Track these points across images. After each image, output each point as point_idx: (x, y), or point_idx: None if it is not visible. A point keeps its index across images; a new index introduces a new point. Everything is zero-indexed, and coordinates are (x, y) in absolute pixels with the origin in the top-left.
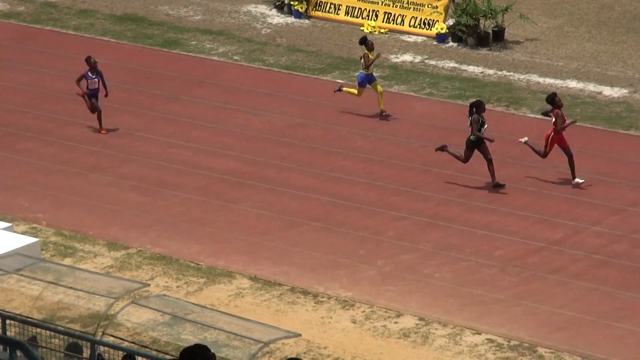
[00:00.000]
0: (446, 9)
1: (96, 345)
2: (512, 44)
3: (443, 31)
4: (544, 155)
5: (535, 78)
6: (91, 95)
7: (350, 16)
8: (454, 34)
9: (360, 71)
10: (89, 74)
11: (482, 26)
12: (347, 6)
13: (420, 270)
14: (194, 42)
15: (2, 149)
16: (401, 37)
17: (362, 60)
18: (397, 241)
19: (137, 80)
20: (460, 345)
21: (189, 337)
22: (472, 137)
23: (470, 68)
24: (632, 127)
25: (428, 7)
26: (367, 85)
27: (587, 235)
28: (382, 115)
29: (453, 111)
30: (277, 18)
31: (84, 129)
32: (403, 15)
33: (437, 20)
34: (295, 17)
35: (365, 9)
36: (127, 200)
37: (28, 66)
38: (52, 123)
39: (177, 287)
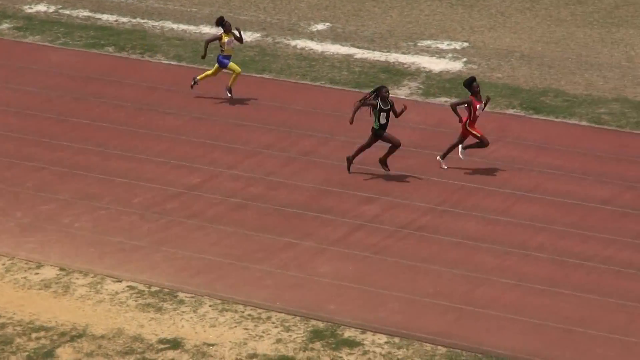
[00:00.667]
0: None
1: None
2: None
3: None
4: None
5: (169, 25)
6: None
7: None
8: None
9: (220, 54)
10: None
11: None
12: None
13: (60, 221)
14: None
15: None
16: None
17: (219, 42)
18: (35, 192)
19: None
20: (101, 293)
21: None
22: (375, 126)
23: (105, 16)
24: (265, 71)
25: None
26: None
27: (224, 179)
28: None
29: (88, 60)
30: None
31: None
32: None
33: None
34: None
35: None
36: None
37: None
38: None
39: None
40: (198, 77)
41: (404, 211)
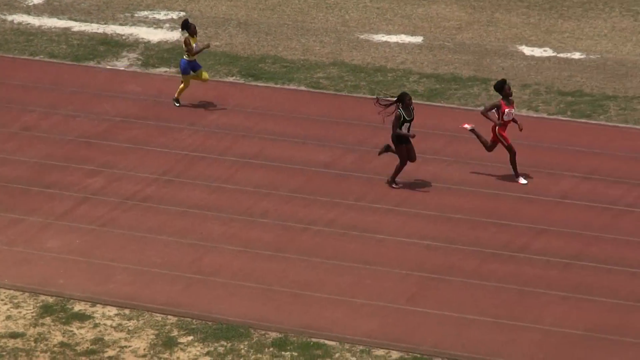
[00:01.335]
0: None
1: None
2: None
3: None
4: (490, 147)
5: None
6: None
7: None
8: None
9: (183, 57)
10: None
11: None
12: None
13: None
14: None
15: None
16: None
17: (184, 46)
18: None
19: None
20: None
21: None
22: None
23: None
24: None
25: None
26: (192, 73)
27: None
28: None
29: None
30: None
31: None
32: None
33: None
34: None
35: None
36: None
37: None
38: None
39: None
40: (176, 96)
41: (129, 182)
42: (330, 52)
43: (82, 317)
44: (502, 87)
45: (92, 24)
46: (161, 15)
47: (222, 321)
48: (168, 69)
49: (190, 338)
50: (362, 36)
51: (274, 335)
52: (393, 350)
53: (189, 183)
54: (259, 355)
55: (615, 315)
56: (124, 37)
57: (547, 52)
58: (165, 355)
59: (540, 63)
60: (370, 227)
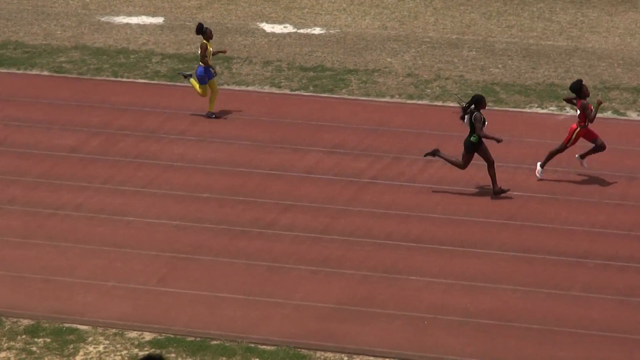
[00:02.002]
0: None
1: None
2: None
3: None
4: (564, 148)
5: None
6: None
7: None
8: None
9: (200, 64)
10: None
11: None
12: None
13: None
14: None
15: None
16: None
17: (199, 52)
18: None
19: None
20: None
21: None
22: (472, 138)
23: None
24: None
25: None
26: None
27: None
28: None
29: None
30: None
31: None
32: None
33: None
34: None
35: None
36: None
37: None
38: None
39: None
40: (209, 109)
41: None
42: (72, 36)
43: None
44: (580, 88)
45: None
46: None
47: None
48: None
49: None
50: (103, 19)
51: (26, 322)
52: (146, 331)
53: None
54: (12, 343)
55: (364, 287)
56: None
57: (288, 29)
58: None
59: (281, 39)
60: (119, 209)
